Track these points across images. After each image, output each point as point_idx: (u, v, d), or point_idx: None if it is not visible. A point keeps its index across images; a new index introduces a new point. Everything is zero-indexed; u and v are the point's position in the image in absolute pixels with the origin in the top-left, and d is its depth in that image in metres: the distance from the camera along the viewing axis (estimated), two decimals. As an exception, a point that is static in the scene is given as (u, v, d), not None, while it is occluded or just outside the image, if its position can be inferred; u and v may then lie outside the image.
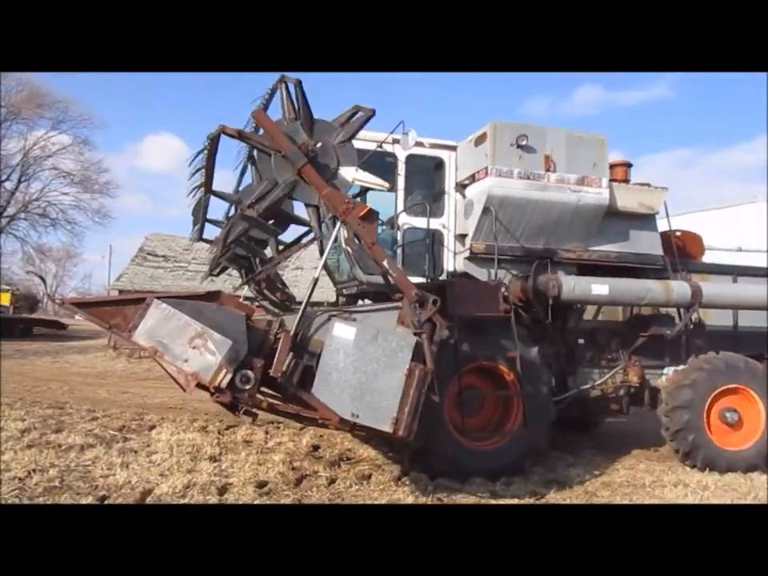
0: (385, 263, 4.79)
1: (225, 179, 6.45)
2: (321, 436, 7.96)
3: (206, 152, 5.39)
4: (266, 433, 7.98)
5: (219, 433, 7.86)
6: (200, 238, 6.56)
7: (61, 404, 9.69)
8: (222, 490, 5.23)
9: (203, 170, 5.63)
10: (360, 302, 8.10)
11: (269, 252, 6.39)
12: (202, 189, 5.93)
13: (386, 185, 5.35)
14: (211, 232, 6.65)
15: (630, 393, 7.99)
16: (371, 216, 4.70)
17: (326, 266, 7.96)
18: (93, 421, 8.31)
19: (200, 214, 6.33)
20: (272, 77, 5.18)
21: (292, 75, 4.99)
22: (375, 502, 5.30)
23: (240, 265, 6.83)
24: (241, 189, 6.34)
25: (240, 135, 4.91)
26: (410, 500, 5.33)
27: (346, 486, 5.76)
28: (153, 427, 8.06)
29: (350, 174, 4.93)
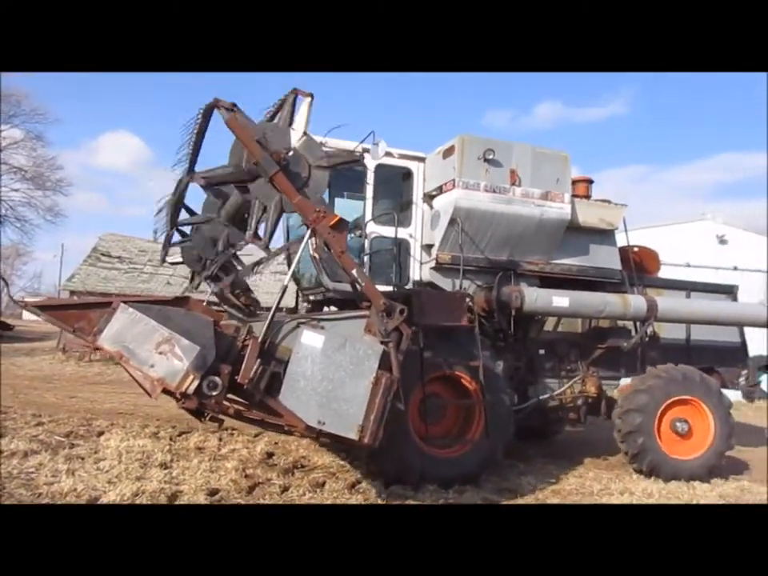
0: (354, 272, 4.85)
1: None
2: (275, 443, 7.87)
3: (172, 199, 5.36)
4: (220, 440, 7.82)
5: (171, 439, 7.64)
6: (164, 262, 6.44)
7: (4, 408, 9.13)
8: (172, 498, 5.13)
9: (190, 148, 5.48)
10: (325, 308, 8.14)
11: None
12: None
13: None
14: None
15: (588, 402, 8.23)
16: (341, 225, 4.76)
17: (293, 274, 7.99)
18: (38, 426, 7.96)
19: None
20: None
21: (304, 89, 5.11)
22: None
23: (196, 267, 6.83)
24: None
25: (209, 183, 4.94)
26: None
27: (300, 493, 5.71)
28: (101, 433, 7.78)
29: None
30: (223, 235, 5.91)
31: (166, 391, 4.29)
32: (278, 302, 4.74)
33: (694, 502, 6.45)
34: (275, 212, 4.78)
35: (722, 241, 24.31)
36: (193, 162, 5.33)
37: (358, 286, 5.06)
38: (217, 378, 4.31)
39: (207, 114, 5.08)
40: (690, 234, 22.87)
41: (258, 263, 6.25)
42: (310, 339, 4.56)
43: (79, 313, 4.39)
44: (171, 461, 6.45)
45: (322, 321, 4.86)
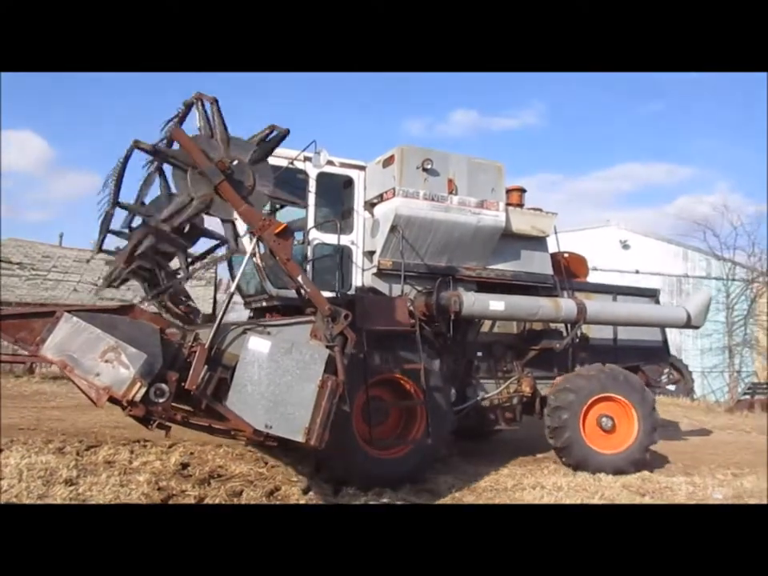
0: (299, 278, 4.97)
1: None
2: (191, 453, 7.64)
3: (117, 165, 5.32)
4: (131, 452, 7.46)
5: (78, 454, 7.17)
6: (100, 250, 6.37)
7: None
8: None
9: (113, 182, 5.52)
10: (268, 315, 8.19)
11: (173, 264, 6.36)
12: (109, 201, 5.79)
13: (301, 202, 5.51)
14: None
15: (523, 402, 8.59)
16: (286, 233, 4.87)
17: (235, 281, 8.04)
18: None
19: (104, 226, 6.17)
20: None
21: (208, 94, 5.07)
22: None
23: (142, 277, 6.72)
24: (146, 201, 6.27)
25: (155, 151, 4.92)
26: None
27: (216, 503, 5.58)
28: (0, 450, 7.08)
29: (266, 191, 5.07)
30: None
31: (112, 399, 4.29)
32: (225, 309, 4.82)
33: (599, 494, 6.77)
34: (198, 206, 4.78)
35: (625, 246, 25.99)
36: (116, 197, 5.43)
37: (303, 292, 5.18)
38: (164, 385, 4.33)
39: (189, 107, 5.11)
40: (596, 239, 24.07)
41: (192, 269, 6.29)
42: (257, 345, 4.65)
43: (20, 323, 4.31)
44: (78, 476, 6.10)
45: (268, 327, 4.96)
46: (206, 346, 4.55)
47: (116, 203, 5.83)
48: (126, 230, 6.38)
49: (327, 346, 4.87)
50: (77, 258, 24.27)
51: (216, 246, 6.41)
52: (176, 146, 5.14)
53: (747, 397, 22.73)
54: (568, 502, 6.30)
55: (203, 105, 5.02)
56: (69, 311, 4.32)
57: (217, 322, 4.72)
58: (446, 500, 6.37)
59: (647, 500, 6.61)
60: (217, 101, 4.93)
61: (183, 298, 6.53)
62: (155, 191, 6.10)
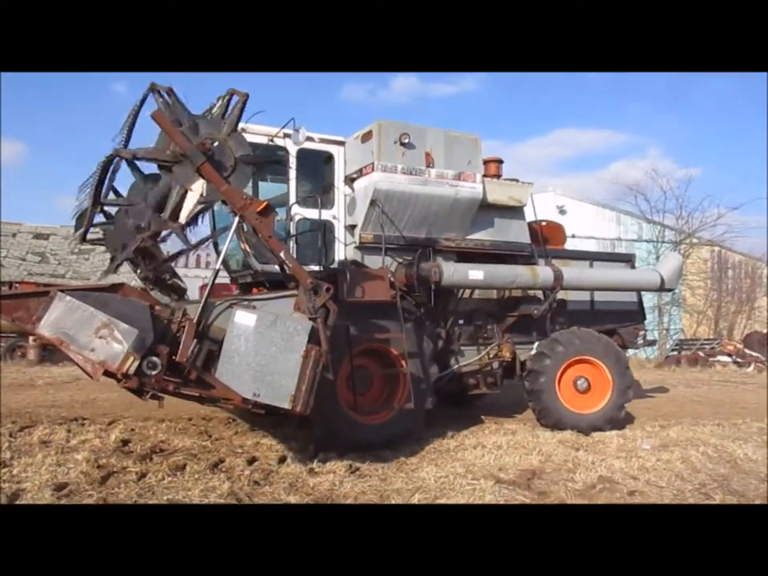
0: (281, 254, 5.20)
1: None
2: (132, 430, 7.59)
3: (96, 170, 5.50)
4: (68, 431, 7.32)
5: (11, 435, 7.06)
6: (84, 240, 6.54)
7: None
8: (13, 497, 4.75)
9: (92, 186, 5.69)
10: (254, 290, 8.41)
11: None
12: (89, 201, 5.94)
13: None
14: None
15: (503, 366, 8.92)
16: (268, 211, 5.08)
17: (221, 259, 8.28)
18: None
19: (84, 221, 6.33)
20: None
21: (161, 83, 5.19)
22: (189, 493, 5.05)
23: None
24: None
25: (134, 157, 5.11)
26: (225, 486, 5.17)
27: (158, 479, 5.44)
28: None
29: None
30: (145, 220, 6.13)
31: (107, 373, 4.53)
32: (211, 285, 5.05)
33: (537, 450, 7.02)
34: (196, 197, 5.02)
35: (562, 211, 26.54)
36: (126, 141, 5.51)
37: (286, 268, 5.40)
38: (156, 359, 4.59)
39: (144, 98, 5.25)
40: (536, 204, 24.68)
41: (180, 252, 6.53)
42: (243, 318, 4.89)
43: (17, 302, 4.53)
44: (11, 458, 5.93)
45: (253, 301, 5.19)
46: (194, 321, 4.79)
47: (97, 203, 5.99)
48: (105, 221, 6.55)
49: (310, 318, 5.13)
50: (4, 231, 24.16)
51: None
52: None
53: (675, 353, 23.98)
54: (507, 459, 6.55)
55: (161, 95, 5.16)
56: (62, 290, 4.53)
57: (204, 297, 4.95)
58: (392, 465, 6.39)
59: (581, 454, 6.90)
60: (172, 89, 5.07)
61: (171, 275, 6.77)
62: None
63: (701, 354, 22.82)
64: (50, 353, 16.94)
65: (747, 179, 60.39)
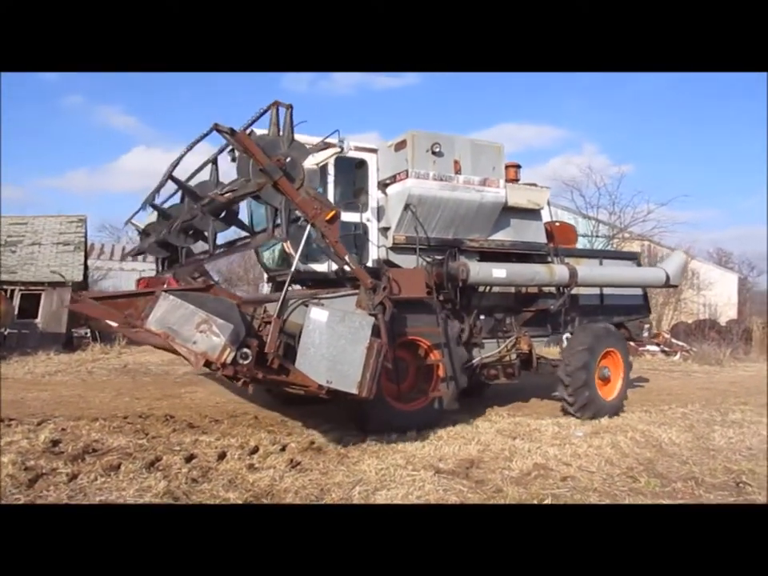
0: (346, 257, 5.82)
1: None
2: (63, 430, 7.21)
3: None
4: None
5: None
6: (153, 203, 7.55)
7: None
8: None
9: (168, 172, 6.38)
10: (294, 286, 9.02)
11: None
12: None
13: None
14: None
15: (521, 359, 9.59)
16: (335, 218, 5.70)
17: (258, 258, 9.05)
18: None
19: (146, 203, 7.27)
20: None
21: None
22: (123, 493, 4.92)
23: (160, 253, 7.92)
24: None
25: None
26: (162, 485, 5.06)
27: (91, 479, 5.23)
28: None
29: None
30: (210, 228, 6.81)
31: (206, 363, 5.13)
32: (288, 286, 5.66)
33: (476, 440, 7.17)
34: (285, 210, 5.63)
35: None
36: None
37: (347, 269, 6.03)
38: (247, 350, 5.20)
39: (265, 111, 5.86)
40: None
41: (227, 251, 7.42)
42: (317, 315, 5.52)
43: (127, 302, 5.13)
44: None
45: (321, 299, 5.82)
46: (276, 318, 5.41)
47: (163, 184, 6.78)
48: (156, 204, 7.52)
49: (371, 314, 5.76)
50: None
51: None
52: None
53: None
54: (447, 449, 6.68)
55: (277, 110, 5.78)
56: (165, 291, 5.13)
57: (282, 297, 5.57)
58: (333, 457, 6.38)
59: (518, 442, 7.12)
60: (292, 107, 5.66)
61: (202, 274, 7.51)
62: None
63: (631, 344, 23.44)
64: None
65: (674, 176, 63.06)
